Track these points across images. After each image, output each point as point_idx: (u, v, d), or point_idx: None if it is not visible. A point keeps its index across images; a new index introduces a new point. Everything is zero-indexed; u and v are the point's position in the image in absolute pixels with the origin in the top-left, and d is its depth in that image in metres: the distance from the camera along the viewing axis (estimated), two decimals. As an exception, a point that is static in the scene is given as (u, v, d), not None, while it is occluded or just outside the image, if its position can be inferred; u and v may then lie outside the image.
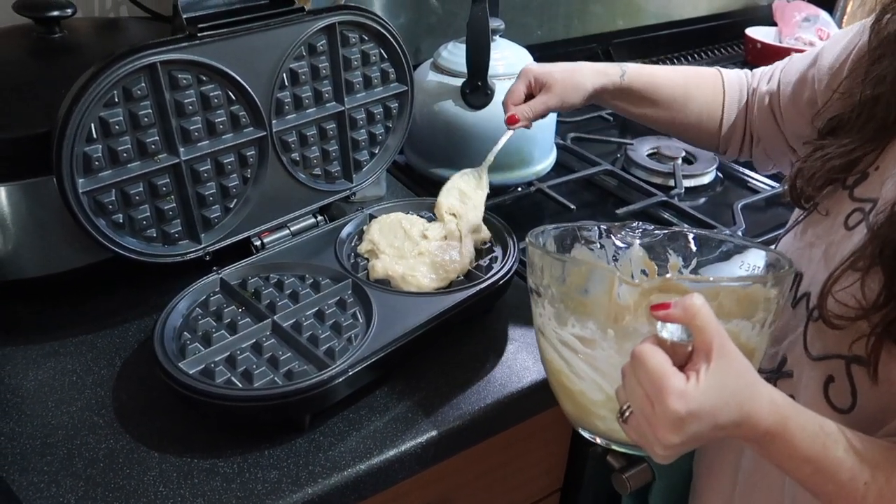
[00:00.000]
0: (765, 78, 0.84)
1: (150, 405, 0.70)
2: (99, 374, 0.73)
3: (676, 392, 0.46)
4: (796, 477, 0.53)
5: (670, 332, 0.48)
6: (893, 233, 0.54)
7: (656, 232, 0.69)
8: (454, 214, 0.85)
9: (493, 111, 1.02)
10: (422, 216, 0.89)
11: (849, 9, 1.69)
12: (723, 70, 0.88)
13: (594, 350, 0.56)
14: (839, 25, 1.72)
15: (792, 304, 0.64)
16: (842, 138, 0.63)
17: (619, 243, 0.68)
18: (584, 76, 0.83)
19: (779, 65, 0.84)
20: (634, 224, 0.69)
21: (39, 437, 0.66)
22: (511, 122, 0.83)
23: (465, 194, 0.86)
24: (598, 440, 0.60)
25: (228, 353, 0.69)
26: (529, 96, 0.85)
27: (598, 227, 0.69)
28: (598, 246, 0.68)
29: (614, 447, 0.59)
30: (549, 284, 0.59)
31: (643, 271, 0.68)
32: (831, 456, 0.51)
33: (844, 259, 0.57)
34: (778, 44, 1.61)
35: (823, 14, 1.67)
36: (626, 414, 0.50)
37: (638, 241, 0.68)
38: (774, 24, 1.67)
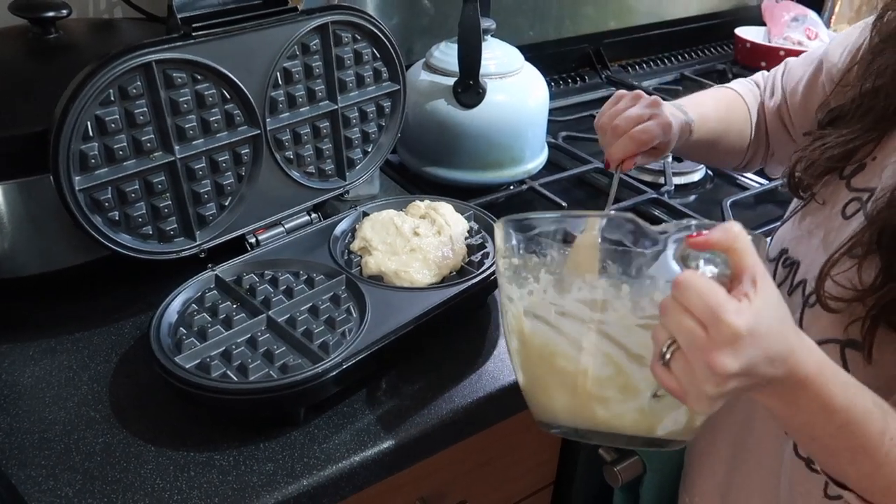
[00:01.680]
0: (767, 90, 0.85)
1: (146, 400, 0.70)
2: (95, 369, 0.74)
3: (734, 308, 0.43)
4: (823, 432, 0.49)
5: (704, 266, 0.45)
6: (891, 218, 0.55)
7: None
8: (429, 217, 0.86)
9: (485, 109, 1.03)
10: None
11: (837, 8, 1.70)
12: (738, 89, 0.87)
13: (605, 313, 0.50)
14: (827, 25, 1.74)
15: (788, 292, 0.65)
16: (841, 129, 0.64)
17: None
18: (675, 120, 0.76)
19: (776, 74, 0.85)
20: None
21: (37, 431, 0.67)
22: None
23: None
24: (592, 439, 0.55)
25: (224, 348, 0.70)
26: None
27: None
28: (533, 245, 0.57)
29: (611, 443, 0.56)
30: (546, 251, 0.54)
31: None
32: (860, 406, 0.48)
33: (842, 244, 0.58)
34: (767, 43, 1.62)
35: (812, 14, 1.69)
36: (669, 354, 0.45)
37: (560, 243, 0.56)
38: (763, 24, 1.69)
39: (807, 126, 0.78)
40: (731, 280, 0.45)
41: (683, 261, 0.48)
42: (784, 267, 0.67)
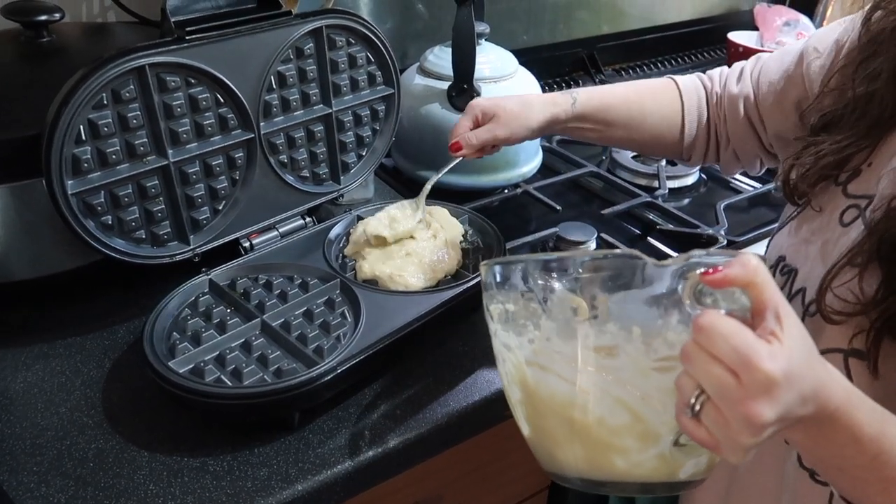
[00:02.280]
0: (732, 79, 0.83)
1: (139, 405, 0.70)
2: (88, 375, 0.73)
3: (767, 353, 0.40)
4: (852, 463, 0.47)
5: (722, 302, 0.42)
6: (890, 228, 0.54)
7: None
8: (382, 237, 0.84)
9: (480, 113, 1.03)
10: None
11: (829, 13, 1.71)
12: (676, 78, 0.87)
13: (617, 358, 0.47)
14: (819, 30, 1.74)
15: (788, 299, 0.64)
16: (835, 134, 0.63)
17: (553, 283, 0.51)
18: (532, 108, 0.82)
19: (746, 65, 0.83)
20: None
21: (29, 437, 0.66)
22: (454, 149, 0.81)
23: (395, 220, 0.84)
24: (607, 488, 0.50)
25: (218, 353, 0.69)
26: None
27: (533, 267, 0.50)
28: (527, 289, 0.51)
29: (628, 493, 0.51)
30: (543, 295, 0.49)
31: (573, 308, 0.50)
32: (891, 434, 0.46)
33: (842, 255, 0.57)
34: (759, 48, 1.63)
35: (804, 19, 1.70)
36: (698, 405, 0.42)
37: (559, 284, 0.50)
38: (756, 29, 1.69)
39: (778, 120, 0.78)
40: (752, 315, 0.43)
41: (696, 297, 0.44)
42: (782, 274, 0.67)
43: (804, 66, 0.74)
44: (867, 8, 0.64)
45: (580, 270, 0.47)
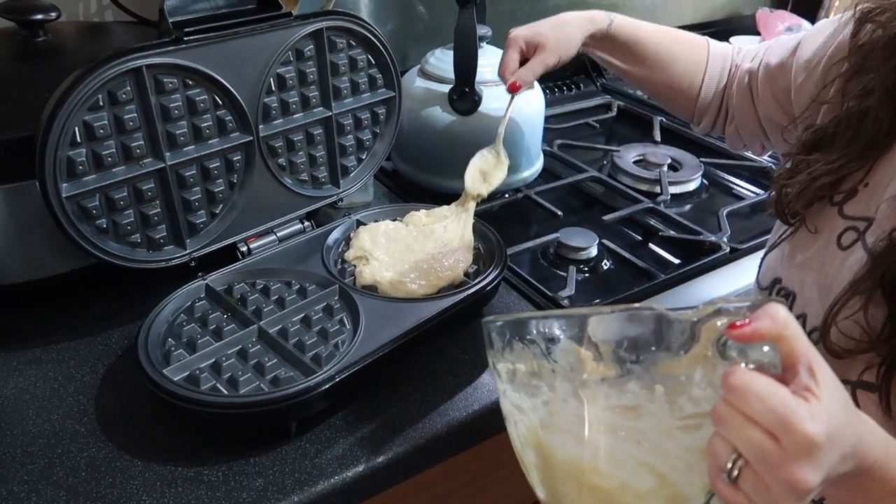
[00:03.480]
0: (749, 56, 0.84)
1: (133, 413, 0.69)
2: (81, 381, 0.72)
3: (807, 413, 0.38)
4: None
5: (751, 355, 0.39)
6: (894, 263, 0.52)
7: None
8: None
9: (481, 117, 1.02)
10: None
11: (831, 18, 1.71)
12: (711, 41, 0.87)
13: (640, 420, 0.44)
14: (821, 35, 1.74)
15: None
16: (828, 153, 0.62)
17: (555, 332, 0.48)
18: (573, 27, 0.83)
19: (766, 44, 0.83)
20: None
21: (19, 445, 0.65)
22: (513, 88, 0.82)
23: (487, 174, 0.87)
24: None
25: (214, 360, 0.68)
26: (523, 61, 0.84)
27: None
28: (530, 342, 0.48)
29: None
30: (555, 355, 0.46)
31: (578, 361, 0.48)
32: None
33: (844, 290, 0.55)
34: (762, 53, 1.63)
35: (806, 24, 1.69)
36: (736, 470, 0.39)
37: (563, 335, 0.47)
38: (758, 34, 1.69)
39: (769, 102, 0.78)
40: (783, 370, 0.41)
41: (720, 351, 0.41)
42: (779, 297, 0.66)
43: (794, 57, 0.74)
44: (855, 19, 0.62)
45: (591, 333, 0.45)
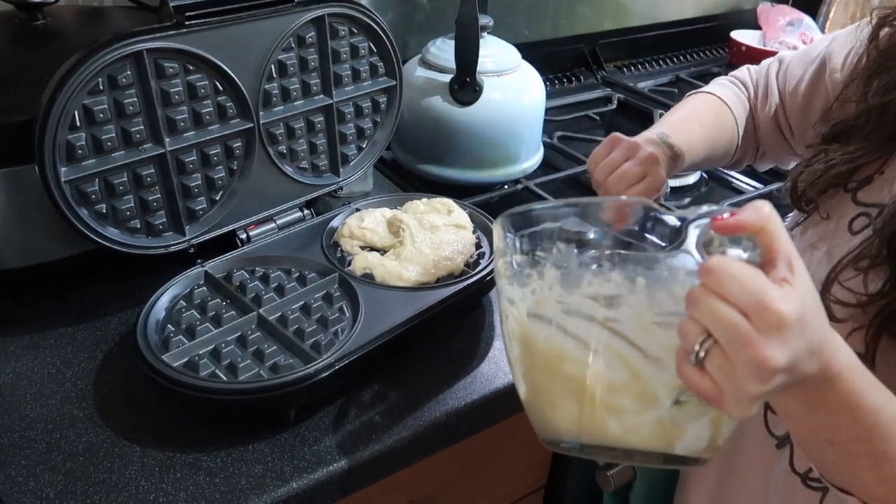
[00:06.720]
0: (760, 91, 0.83)
1: (131, 399, 0.69)
2: (79, 366, 0.72)
3: (780, 294, 0.38)
4: (847, 435, 0.45)
5: (731, 250, 0.40)
6: None
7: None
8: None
9: (481, 107, 1.02)
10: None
11: (832, 14, 1.71)
12: (725, 99, 0.83)
13: (618, 310, 0.44)
14: (822, 30, 1.74)
15: None
16: (847, 145, 0.63)
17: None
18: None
19: (769, 72, 0.83)
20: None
21: (17, 430, 0.65)
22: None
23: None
24: (603, 457, 0.48)
25: (213, 346, 0.68)
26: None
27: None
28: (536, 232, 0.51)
29: (624, 461, 0.50)
30: (553, 245, 0.48)
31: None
32: (890, 408, 0.45)
33: (852, 250, 0.57)
34: (762, 47, 1.62)
35: (807, 19, 1.69)
36: (703, 352, 0.39)
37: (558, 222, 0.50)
38: (759, 28, 1.69)
39: (807, 127, 0.77)
40: (762, 263, 0.41)
41: (705, 248, 0.43)
42: None
43: (827, 75, 0.74)
44: (873, 25, 0.64)
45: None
